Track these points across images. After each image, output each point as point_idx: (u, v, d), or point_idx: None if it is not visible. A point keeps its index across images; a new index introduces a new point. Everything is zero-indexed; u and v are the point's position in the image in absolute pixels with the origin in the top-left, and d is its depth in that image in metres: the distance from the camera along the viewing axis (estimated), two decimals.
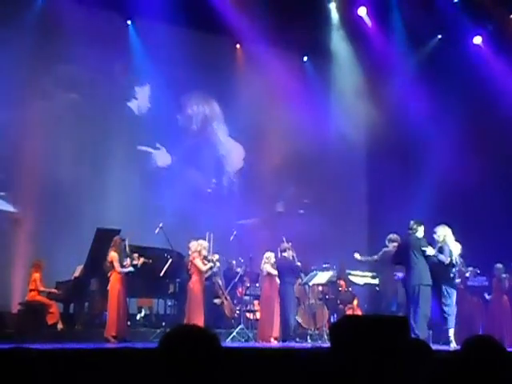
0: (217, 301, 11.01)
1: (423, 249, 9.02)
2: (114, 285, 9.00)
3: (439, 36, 13.38)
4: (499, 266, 11.28)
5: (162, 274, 9.90)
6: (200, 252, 9.80)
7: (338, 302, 11.66)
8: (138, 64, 12.20)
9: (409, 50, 13.20)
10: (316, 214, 13.22)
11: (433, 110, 12.92)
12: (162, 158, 12.76)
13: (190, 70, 12.28)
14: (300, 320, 11.13)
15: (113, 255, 9.07)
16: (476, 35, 13.26)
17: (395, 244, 10.55)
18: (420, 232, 9.22)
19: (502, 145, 12.57)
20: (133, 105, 12.68)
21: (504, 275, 11.28)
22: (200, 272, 9.68)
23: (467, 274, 11.35)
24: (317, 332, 11.12)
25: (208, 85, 12.74)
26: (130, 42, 12.34)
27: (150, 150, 12.59)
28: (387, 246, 10.68)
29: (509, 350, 2.69)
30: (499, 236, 11.98)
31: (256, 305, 11.17)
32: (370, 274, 11.45)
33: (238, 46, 13.52)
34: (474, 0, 12.32)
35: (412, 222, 9.29)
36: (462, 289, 11.36)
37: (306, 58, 14.21)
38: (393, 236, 10.72)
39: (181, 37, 12.03)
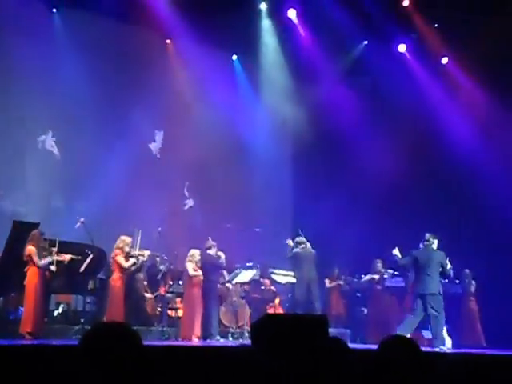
0: (139, 298, 10.87)
1: (448, 264, 9.47)
2: (32, 280, 8.74)
3: (365, 42, 13.73)
4: (467, 271, 11.70)
5: (82, 269, 9.69)
6: (122, 249, 9.65)
7: (260, 300, 11.76)
8: (62, 55, 11.83)
9: (336, 53, 13.49)
10: (240, 211, 13.28)
11: (357, 112, 13.27)
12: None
13: (119, 63, 12.07)
14: (222, 318, 11.15)
15: (30, 249, 8.80)
16: (401, 43, 13.68)
17: (303, 246, 10.85)
18: (435, 245, 9.62)
19: (422, 146, 13.08)
20: None
21: (473, 281, 11.71)
22: (122, 269, 9.53)
23: (385, 275, 11.72)
24: (238, 330, 11.19)
25: (136, 79, 12.52)
26: (55, 31, 12.00)
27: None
28: (296, 248, 10.95)
29: (481, 350, 2.79)
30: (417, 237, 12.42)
31: (178, 302, 11.11)
32: (292, 272, 11.62)
33: (168, 41, 13.38)
34: (399, 8, 12.72)
35: (428, 235, 9.64)
36: (379, 289, 11.74)
37: (235, 57, 14.24)
38: (299, 239, 11.01)
39: (109, 28, 11.82)
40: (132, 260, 9.73)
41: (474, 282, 11.88)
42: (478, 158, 12.36)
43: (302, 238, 11.07)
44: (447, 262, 9.51)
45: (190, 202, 13.32)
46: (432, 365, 2.63)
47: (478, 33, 11.98)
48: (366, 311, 11.97)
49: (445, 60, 13.58)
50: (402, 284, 11.69)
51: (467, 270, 11.86)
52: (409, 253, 9.74)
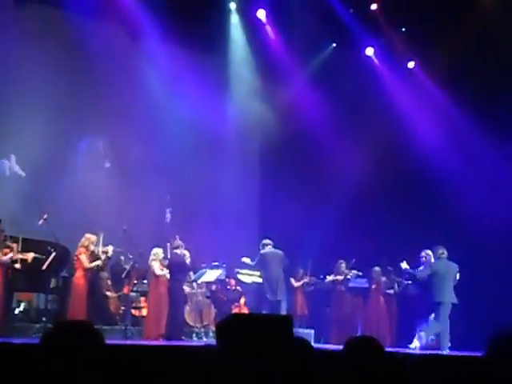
0: (102, 296, 10.76)
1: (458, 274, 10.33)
2: None
3: (334, 44, 13.82)
4: (377, 269, 11.85)
5: (44, 267, 9.54)
6: (87, 247, 9.55)
7: (226, 299, 11.75)
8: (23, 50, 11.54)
9: (305, 54, 13.55)
10: (207, 211, 13.24)
11: (325, 114, 13.36)
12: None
13: (88, 59, 11.91)
14: (186, 318, 11.11)
15: None
16: (368, 46, 13.81)
17: (270, 247, 10.90)
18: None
19: (389, 149, 13.24)
20: None
21: (382, 278, 11.85)
22: (85, 267, 9.43)
23: (349, 276, 11.82)
24: (203, 330, 11.16)
25: (102, 77, 12.34)
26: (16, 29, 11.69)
27: None
28: (263, 249, 10.97)
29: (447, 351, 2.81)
30: (381, 238, 12.57)
31: (143, 301, 11.03)
32: (258, 272, 11.63)
33: (136, 38, 13.23)
34: (367, 12, 12.84)
35: (441, 249, 10.43)
36: (342, 290, 11.83)
37: (204, 55, 14.17)
38: (265, 241, 11.06)
39: (74, 25, 11.64)
40: (96, 262, 9.65)
41: (384, 279, 12.01)
42: (444, 161, 12.55)
43: (268, 240, 11.11)
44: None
45: (156, 201, 13.19)
46: (397, 365, 2.65)
47: (445, 38, 12.18)
48: (329, 311, 12.04)
49: (411, 64, 13.74)
50: (366, 285, 11.80)
51: (377, 268, 12.00)
52: (427, 265, 10.42)
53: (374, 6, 12.77)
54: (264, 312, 10.41)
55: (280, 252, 11.05)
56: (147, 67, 12.94)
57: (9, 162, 11.76)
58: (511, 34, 11.75)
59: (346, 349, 2.55)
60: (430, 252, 10.52)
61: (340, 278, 11.84)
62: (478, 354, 5.61)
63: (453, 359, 6.76)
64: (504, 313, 10.20)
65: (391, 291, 11.93)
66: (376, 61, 13.92)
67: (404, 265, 10.50)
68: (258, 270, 11.61)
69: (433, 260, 10.50)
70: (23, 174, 11.79)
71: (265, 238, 11.28)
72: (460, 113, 12.60)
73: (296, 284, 12.21)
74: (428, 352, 9.00)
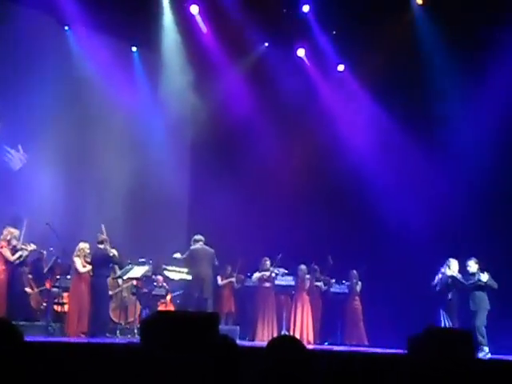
0: (22, 292, 10.43)
1: None
2: None
3: (266, 44, 13.91)
4: (303, 266, 12.05)
5: None
6: (10, 241, 9.27)
7: (151, 296, 11.63)
8: None
9: (238, 51, 13.58)
10: (135, 205, 13.04)
11: (256, 112, 13.45)
12: None
13: (8, 45, 11.52)
14: (111, 314, 10.94)
15: None
16: (300, 47, 13.96)
17: (201, 243, 10.88)
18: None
19: (318, 148, 13.50)
20: None
21: (307, 276, 12.06)
22: (6, 261, 9.14)
23: (273, 274, 11.94)
24: (127, 327, 11.02)
25: (28, 66, 11.96)
26: None
27: None
28: (194, 245, 10.96)
29: (308, 346, 2.90)
30: (310, 236, 12.79)
31: (65, 297, 10.77)
32: (185, 269, 11.58)
33: (66, 27, 12.90)
34: (299, 13, 12.98)
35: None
36: (268, 287, 11.94)
37: (135, 49, 13.98)
38: (197, 236, 11.04)
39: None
40: (18, 253, 9.37)
41: (359, 283, 12.37)
42: (373, 162, 12.88)
43: (199, 236, 11.03)
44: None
45: (82, 196, 12.89)
46: (317, 362, 2.71)
47: (373, 43, 12.47)
48: (255, 309, 12.11)
49: (341, 67, 14.00)
50: (292, 283, 11.96)
51: (354, 271, 12.33)
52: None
53: (306, 8, 12.92)
54: (190, 309, 10.37)
55: (211, 250, 11.01)
56: (76, 58, 12.63)
57: None
58: (440, 37, 12.20)
59: (267, 347, 2.58)
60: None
61: (266, 274, 11.93)
62: (401, 352, 5.82)
63: (374, 357, 6.95)
64: (426, 311, 10.58)
65: (318, 288, 12.21)
66: (307, 62, 14.11)
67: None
68: (185, 267, 11.56)
69: None
70: None
71: (196, 233, 11.21)
72: (388, 117, 12.94)
73: (222, 282, 12.23)
74: (352, 349, 9.22)
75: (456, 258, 10.52)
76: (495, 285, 10.13)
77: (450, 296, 10.39)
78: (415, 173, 12.64)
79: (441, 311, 10.40)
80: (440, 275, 10.49)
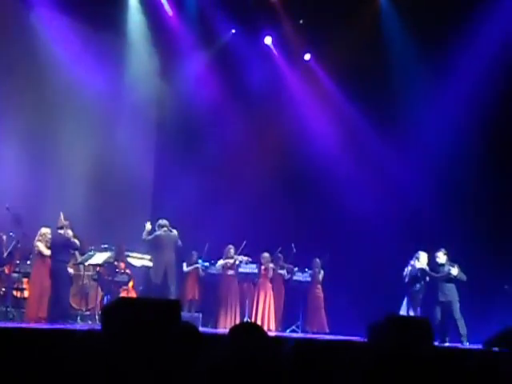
0: None
1: None
2: None
3: (233, 30, 13.84)
4: (266, 254, 12.10)
5: None
6: None
7: (114, 283, 11.54)
8: None
9: (204, 37, 13.48)
10: (98, 190, 12.87)
11: (222, 98, 13.41)
12: None
13: None
14: (71, 300, 10.83)
15: None
16: (267, 35, 13.94)
17: (165, 229, 10.84)
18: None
19: (284, 136, 13.53)
20: None
21: (270, 264, 12.13)
22: None
23: (237, 262, 11.96)
24: (88, 313, 10.93)
25: None
26: None
27: None
28: (158, 231, 10.90)
29: (270, 333, 2.93)
30: (280, 223, 12.85)
31: (25, 283, 10.62)
32: (148, 256, 11.52)
33: (29, 12, 12.58)
34: (267, 1, 12.95)
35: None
36: (231, 275, 11.97)
37: (101, 32, 13.73)
38: (162, 221, 10.99)
39: None
40: None
41: (322, 271, 12.48)
42: (336, 152, 12.98)
43: (164, 221, 10.98)
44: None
45: (43, 180, 12.67)
46: (278, 349, 2.73)
47: (340, 32, 12.52)
48: (218, 296, 12.13)
49: (307, 56, 14.03)
50: (255, 270, 12.00)
51: (317, 259, 12.44)
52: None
53: None
54: (152, 296, 10.34)
55: (174, 233, 10.99)
56: (40, 39, 12.36)
57: None
58: (405, 27, 12.32)
59: (229, 335, 2.60)
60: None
61: (230, 261, 11.95)
62: (360, 339, 5.91)
63: (336, 344, 7.03)
64: (388, 300, 10.73)
65: (281, 276, 12.29)
66: (274, 50, 14.10)
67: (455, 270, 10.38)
68: (148, 253, 11.50)
69: None
70: None
71: (161, 218, 11.15)
72: (352, 107, 13.04)
73: (186, 269, 12.21)
74: (314, 337, 9.30)
75: (419, 246, 10.64)
76: (464, 277, 10.28)
77: (417, 287, 10.49)
78: (379, 161, 12.77)
79: (405, 300, 10.54)
80: (410, 267, 10.59)
